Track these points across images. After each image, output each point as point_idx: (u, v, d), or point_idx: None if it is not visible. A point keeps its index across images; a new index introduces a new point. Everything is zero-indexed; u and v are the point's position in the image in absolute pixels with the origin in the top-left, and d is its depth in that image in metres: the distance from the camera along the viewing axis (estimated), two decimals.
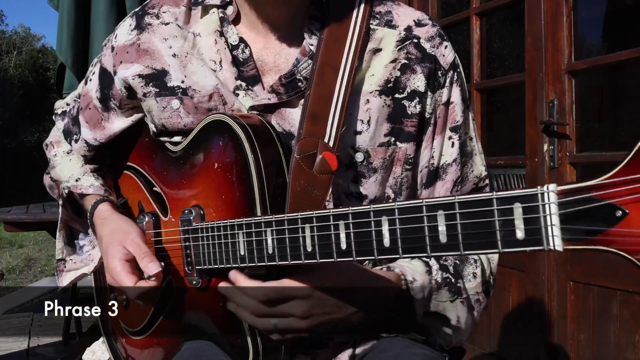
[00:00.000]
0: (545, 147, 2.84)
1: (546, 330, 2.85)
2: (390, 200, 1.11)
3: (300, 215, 0.86)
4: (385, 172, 1.09)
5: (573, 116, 2.78)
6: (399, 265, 1.05)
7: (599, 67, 3.01)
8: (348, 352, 1.09)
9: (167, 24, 1.13)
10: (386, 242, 0.76)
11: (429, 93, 1.08)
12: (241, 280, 0.95)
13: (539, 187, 0.63)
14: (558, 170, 2.79)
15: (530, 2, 2.92)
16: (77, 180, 1.26)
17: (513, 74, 3.54)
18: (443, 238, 0.71)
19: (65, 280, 1.36)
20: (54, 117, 1.43)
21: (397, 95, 1.07)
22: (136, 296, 1.08)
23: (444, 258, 1.08)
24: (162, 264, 1.12)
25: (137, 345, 1.24)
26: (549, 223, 0.62)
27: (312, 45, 1.07)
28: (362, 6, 1.08)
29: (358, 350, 1.09)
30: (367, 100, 1.07)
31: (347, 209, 0.81)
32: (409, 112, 1.08)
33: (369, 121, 1.07)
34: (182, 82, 1.11)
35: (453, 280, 1.07)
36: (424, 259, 1.06)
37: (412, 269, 1.03)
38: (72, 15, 3.09)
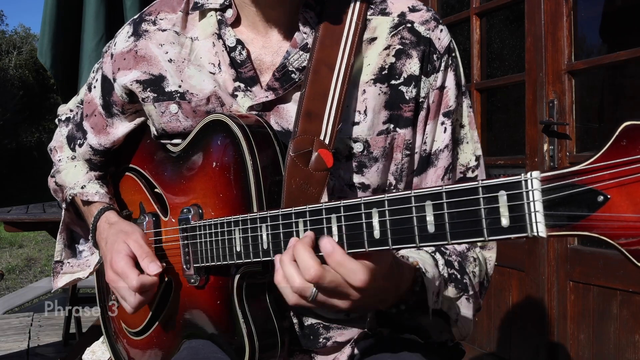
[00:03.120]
0: (545, 147, 2.84)
1: (546, 330, 2.85)
2: (392, 188, 1.10)
3: (294, 210, 0.86)
4: (386, 160, 1.08)
5: (573, 116, 2.78)
6: (409, 255, 1.03)
7: (599, 67, 3.01)
8: (347, 352, 1.09)
9: (164, 30, 1.14)
10: (376, 233, 0.76)
11: (423, 77, 1.07)
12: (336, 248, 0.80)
13: (522, 174, 0.64)
14: None
15: (530, 2, 2.92)
16: (82, 188, 1.27)
17: (513, 74, 3.54)
18: (431, 228, 0.71)
19: (60, 282, 1.37)
20: (57, 121, 1.44)
21: (393, 82, 1.07)
22: (138, 287, 1.07)
23: (448, 253, 1.07)
24: (164, 264, 1.12)
25: (137, 346, 1.25)
26: (532, 210, 0.63)
27: (305, 33, 1.07)
28: None
29: (357, 349, 1.09)
30: (364, 90, 1.06)
31: (338, 202, 0.81)
32: (407, 98, 1.07)
33: (365, 111, 1.06)
34: (179, 86, 1.11)
35: (459, 276, 1.06)
36: (430, 252, 1.05)
37: (422, 261, 1.01)
38: (53, 17, 3.01)
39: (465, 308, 1.06)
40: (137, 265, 1.11)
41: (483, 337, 3.25)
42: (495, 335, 3.18)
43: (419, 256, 1.02)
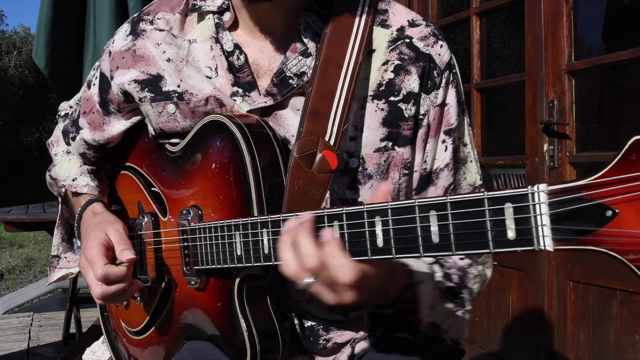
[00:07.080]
0: (545, 147, 2.84)
1: (546, 330, 2.84)
2: None
3: (296, 215, 0.85)
4: (381, 178, 1.06)
5: (573, 116, 2.78)
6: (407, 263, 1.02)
7: (599, 67, 3.01)
8: (347, 352, 1.09)
9: (161, 30, 1.13)
10: (379, 242, 0.76)
11: (423, 94, 1.05)
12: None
13: (529, 187, 0.63)
14: (558, 170, 2.79)
15: (530, 2, 2.92)
16: (73, 180, 1.27)
17: (513, 74, 3.54)
18: (435, 238, 0.71)
19: (55, 276, 1.37)
20: (57, 116, 1.44)
21: (392, 99, 1.05)
22: (101, 277, 1.04)
23: (447, 266, 1.06)
24: (137, 257, 1.11)
25: (137, 345, 1.24)
26: (539, 223, 0.62)
27: (306, 38, 1.05)
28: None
29: (357, 350, 1.09)
30: (362, 105, 1.05)
31: (341, 208, 0.80)
32: (406, 115, 1.05)
33: (362, 127, 1.04)
34: (178, 86, 1.10)
35: (457, 290, 1.05)
36: (428, 264, 1.04)
37: (419, 271, 1.01)
38: (49, 18, 2.99)
39: (460, 321, 1.06)
40: (110, 255, 1.08)
41: (483, 337, 3.25)
42: (495, 335, 3.18)
43: (416, 265, 1.02)
